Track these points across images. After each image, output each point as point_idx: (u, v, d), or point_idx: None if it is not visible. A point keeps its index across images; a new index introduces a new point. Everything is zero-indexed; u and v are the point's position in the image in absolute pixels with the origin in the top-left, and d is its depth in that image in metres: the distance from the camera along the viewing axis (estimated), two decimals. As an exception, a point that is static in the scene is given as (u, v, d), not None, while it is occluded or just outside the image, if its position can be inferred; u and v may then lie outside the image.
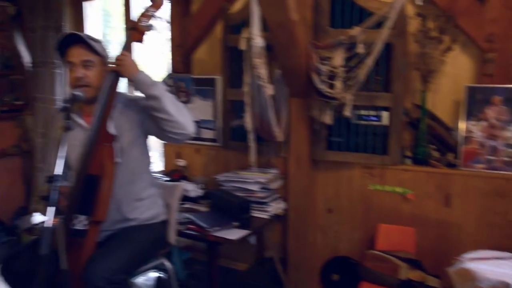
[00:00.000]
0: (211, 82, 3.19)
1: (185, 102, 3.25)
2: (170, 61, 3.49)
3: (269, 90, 2.57)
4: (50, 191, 1.49)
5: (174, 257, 2.85)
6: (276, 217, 2.93)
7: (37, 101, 3.98)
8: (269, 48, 2.62)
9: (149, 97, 1.88)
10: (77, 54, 1.96)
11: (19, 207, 4.35)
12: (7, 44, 4.35)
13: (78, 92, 1.86)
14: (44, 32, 3.83)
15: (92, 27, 4.26)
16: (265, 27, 2.51)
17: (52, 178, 1.51)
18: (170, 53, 3.50)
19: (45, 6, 3.81)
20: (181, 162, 3.39)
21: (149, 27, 1.96)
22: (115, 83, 1.94)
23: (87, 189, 1.82)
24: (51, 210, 1.47)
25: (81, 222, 1.82)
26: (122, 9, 3.95)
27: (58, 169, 1.54)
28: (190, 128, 1.95)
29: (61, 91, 3.86)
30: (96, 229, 1.86)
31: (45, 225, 1.45)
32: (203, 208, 2.98)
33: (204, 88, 3.22)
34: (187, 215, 2.71)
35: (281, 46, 2.51)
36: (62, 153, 1.57)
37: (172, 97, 1.92)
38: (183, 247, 3.27)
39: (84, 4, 4.15)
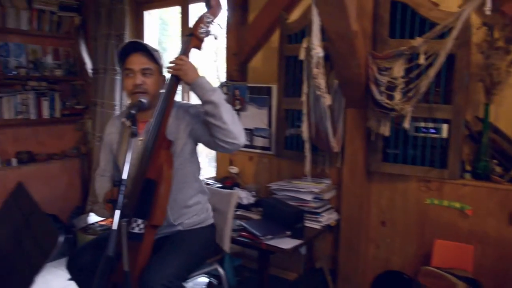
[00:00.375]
0: (266, 91, 3.21)
1: (239, 110, 3.28)
2: (225, 69, 3.55)
3: (327, 100, 2.55)
4: (117, 195, 1.54)
5: (226, 263, 2.88)
6: (328, 228, 2.91)
7: (96, 105, 4.13)
8: (327, 58, 2.60)
9: (206, 102, 1.89)
10: (138, 61, 2.01)
11: (76, 207, 4.54)
12: (72, 52, 4.58)
13: (143, 99, 1.92)
14: (106, 40, 3.99)
15: (150, 35, 4.40)
16: (324, 37, 2.50)
17: (118, 182, 1.56)
18: (225, 61, 3.56)
19: (108, 15, 3.97)
20: (234, 169, 3.43)
21: (207, 34, 1.99)
22: (175, 87, 1.98)
23: (145, 193, 1.86)
24: (117, 213, 1.51)
25: (138, 226, 1.86)
26: (179, 18, 4.06)
27: (125, 173, 1.58)
28: (241, 139, 1.95)
29: (120, 96, 4.00)
30: (152, 233, 1.90)
31: (112, 227, 1.49)
32: (255, 216, 3.00)
33: (259, 96, 3.25)
34: (240, 222, 2.74)
35: (340, 56, 2.49)
36: (128, 158, 1.62)
37: (229, 106, 1.93)
38: (234, 253, 3.30)
39: (144, 13, 4.31)
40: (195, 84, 1.91)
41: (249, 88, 3.29)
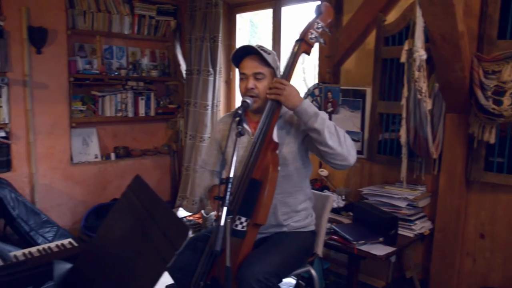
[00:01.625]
0: (360, 94, 3.16)
1: (331, 113, 3.26)
2: (317, 71, 3.55)
3: (428, 104, 2.46)
4: (224, 192, 1.59)
5: (316, 266, 2.87)
6: (420, 237, 2.80)
7: (189, 105, 4.30)
8: (428, 61, 2.51)
9: (310, 129, 1.89)
10: (250, 66, 2.06)
11: (166, 201, 4.75)
12: (167, 54, 4.82)
13: (248, 100, 1.97)
14: (201, 42, 4.13)
15: (241, 38, 4.51)
16: (426, 38, 2.41)
17: (225, 180, 1.61)
18: (318, 63, 3.55)
19: (203, 19, 4.11)
20: (324, 172, 3.41)
21: (317, 40, 1.99)
22: (276, 110, 1.97)
23: (249, 192, 1.91)
24: (224, 210, 1.56)
25: (241, 224, 1.91)
26: (269, 21, 4.12)
27: (232, 172, 1.63)
28: (351, 159, 1.92)
29: (212, 96, 4.12)
30: (254, 231, 1.94)
31: (220, 224, 1.54)
32: (345, 220, 2.96)
33: (352, 99, 3.21)
34: (330, 225, 2.71)
35: (443, 58, 2.39)
36: (235, 157, 1.67)
37: (333, 128, 1.89)
38: (322, 257, 3.28)
39: (236, 16, 4.42)
40: (298, 110, 1.89)
41: (342, 91, 3.25)
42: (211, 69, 4.09)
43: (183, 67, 4.53)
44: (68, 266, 1.43)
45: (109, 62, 4.45)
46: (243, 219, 1.91)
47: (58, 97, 4.06)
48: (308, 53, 2.02)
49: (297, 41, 2.01)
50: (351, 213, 3.02)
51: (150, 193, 1.24)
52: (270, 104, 1.97)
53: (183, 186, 4.38)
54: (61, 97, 4.08)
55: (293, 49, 2.00)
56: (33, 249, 2.49)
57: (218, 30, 4.02)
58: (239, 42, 4.50)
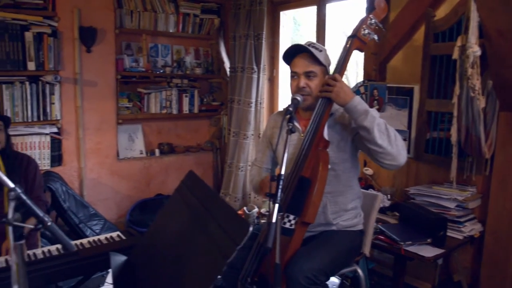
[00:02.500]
0: (407, 91, 3.09)
1: (377, 111, 3.20)
2: (363, 68, 3.50)
3: (481, 102, 2.38)
4: (276, 189, 1.60)
5: (361, 265, 2.84)
6: (469, 239, 2.71)
7: (233, 102, 4.33)
8: (480, 57, 2.43)
9: (359, 127, 1.87)
10: (301, 65, 2.06)
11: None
12: (211, 52, 4.87)
13: (298, 97, 1.96)
14: (245, 40, 4.15)
15: (284, 35, 4.50)
16: (480, 34, 2.34)
17: (277, 177, 1.62)
18: (364, 60, 3.50)
19: (247, 16, 4.13)
20: (368, 171, 3.36)
21: (370, 36, 1.96)
22: (327, 107, 1.97)
23: (299, 190, 1.91)
24: (276, 207, 1.56)
25: (289, 221, 1.91)
26: (312, 18, 4.09)
27: (283, 169, 1.64)
28: (401, 159, 1.88)
29: (256, 94, 4.14)
30: (303, 229, 1.93)
31: (271, 220, 1.55)
32: (390, 220, 2.91)
33: (398, 97, 3.14)
34: (376, 225, 2.67)
35: (498, 55, 2.31)
36: (286, 154, 1.67)
37: (383, 126, 1.86)
38: (369, 256, 3.24)
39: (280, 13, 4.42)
40: (348, 107, 1.88)
41: (388, 88, 3.19)
42: (255, 67, 4.10)
43: (227, 64, 4.56)
44: (123, 258, 1.48)
45: (155, 60, 4.54)
46: (291, 217, 1.92)
47: (106, 94, 4.18)
48: (361, 49, 2.00)
49: (349, 37, 1.99)
50: (396, 213, 2.96)
51: (206, 189, 1.26)
52: (321, 101, 1.96)
53: (226, 183, 4.42)
54: (109, 94, 4.20)
55: (345, 45, 1.99)
56: (84, 241, 2.58)
57: (262, 27, 4.03)
58: (283, 40, 4.49)
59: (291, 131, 1.73)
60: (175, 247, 1.14)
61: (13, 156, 2.67)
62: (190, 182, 1.39)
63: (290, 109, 1.82)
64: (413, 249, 2.46)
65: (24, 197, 1.11)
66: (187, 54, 4.75)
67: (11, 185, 1.10)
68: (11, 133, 2.87)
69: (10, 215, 1.10)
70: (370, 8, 2.00)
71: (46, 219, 1.13)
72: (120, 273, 1.40)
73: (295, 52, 2.08)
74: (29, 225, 1.14)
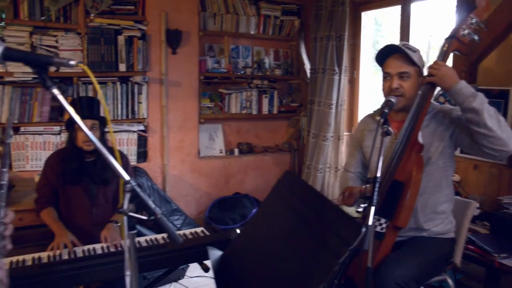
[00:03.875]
0: (502, 94, 2.92)
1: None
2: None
3: None
4: (371, 192, 1.58)
5: (449, 276, 2.72)
6: None
7: (313, 104, 4.32)
8: None
9: (467, 109, 1.81)
10: (395, 65, 2.02)
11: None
12: (290, 53, 4.90)
13: (392, 99, 1.93)
14: (326, 41, 4.13)
15: (365, 36, 4.43)
16: None
17: (373, 180, 1.60)
18: (452, 61, 3.36)
19: (329, 17, 4.10)
20: (455, 177, 3.21)
21: (470, 36, 1.88)
22: (429, 93, 1.93)
23: (391, 194, 1.87)
24: (372, 210, 1.55)
25: (380, 225, 1.88)
26: (394, 18, 3.98)
27: (379, 171, 1.61)
28: (511, 145, 1.80)
29: (337, 96, 4.11)
30: (394, 234, 1.90)
31: (368, 223, 1.53)
32: (480, 229, 2.77)
33: (492, 100, 2.97)
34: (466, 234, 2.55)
35: None
36: (381, 157, 1.65)
37: (493, 110, 1.80)
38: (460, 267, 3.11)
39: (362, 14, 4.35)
40: (453, 90, 1.84)
41: (480, 91, 3.02)
42: (336, 68, 4.07)
43: (307, 66, 4.56)
44: (219, 253, 1.52)
45: (236, 61, 4.64)
46: (382, 220, 1.88)
47: (189, 94, 4.33)
48: (461, 51, 1.93)
49: (447, 38, 1.92)
50: (487, 223, 2.81)
51: (309, 188, 1.27)
52: (424, 87, 1.92)
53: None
54: (192, 94, 4.35)
55: (443, 47, 1.92)
56: (171, 235, 2.69)
57: (344, 28, 3.99)
58: (364, 41, 4.42)
59: (386, 134, 1.70)
60: (278, 245, 1.16)
61: (109, 150, 2.81)
62: (289, 182, 1.41)
63: (386, 110, 1.79)
64: (508, 262, 2.32)
65: (138, 189, 1.18)
66: (267, 55, 4.81)
67: (127, 177, 1.18)
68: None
69: (125, 206, 1.18)
70: (471, 7, 1.91)
71: (156, 211, 1.19)
72: (218, 266, 1.45)
73: (388, 53, 2.04)
74: (142, 216, 1.21)
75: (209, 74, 4.41)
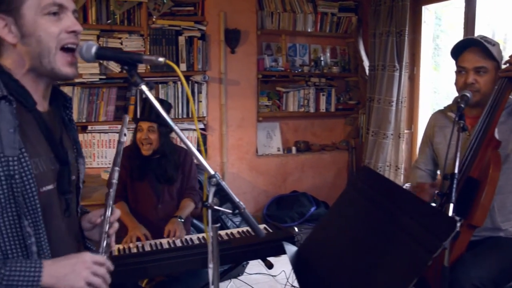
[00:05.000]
0: None
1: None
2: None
3: None
4: (449, 188, 1.54)
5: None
6: None
7: (372, 101, 4.26)
8: None
9: None
10: (471, 59, 1.96)
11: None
12: (348, 50, 4.85)
13: (468, 94, 1.87)
14: (386, 37, 4.06)
15: (426, 31, 4.31)
16: None
17: (451, 176, 1.56)
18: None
19: (388, 13, 4.03)
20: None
21: None
22: (507, 88, 1.85)
23: (465, 191, 1.81)
24: (451, 207, 1.51)
25: (455, 223, 1.83)
26: (457, 11, 3.84)
27: (457, 167, 1.57)
28: None
29: (397, 92, 4.03)
30: (469, 232, 1.84)
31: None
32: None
33: None
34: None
35: None
36: (458, 153, 1.60)
37: None
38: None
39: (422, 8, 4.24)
40: None
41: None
42: (396, 64, 3.99)
43: (366, 63, 4.50)
44: (294, 248, 1.54)
45: (293, 59, 4.65)
46: (457, 218, 1.83)
47: (247, 93, 4.38)
48: None
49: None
50: None
51: (390, 183, 1.26)
52: (500, 83, 1.85)
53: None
54: (250, 93, 4.40)
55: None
56: (234, 231, 2.74)
57: (405, 24, 3.91)
58: (424, 36, 4.30)
59: (463, 129, 1.65)
60: (362, 239, 1.16)
61: (171, 151, 2.86)
62: (366, 177, 1.40)
63: (462, 105, 1.74)
64: None
65: (222, 183, 1.21)
66: (323, 53, 4.78)
67: (212, 171, 1.21)
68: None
69: (210, 200, 1.21)
70: None
71: (240, 205, 1.22)
72: (296, 261, 1.46)
73: (465, 46, 1.98)
74: (226, 209, 1.24)
75: (267, 72, 4.44)
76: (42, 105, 1.25)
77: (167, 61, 1.19)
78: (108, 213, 1.21)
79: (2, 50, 1.19)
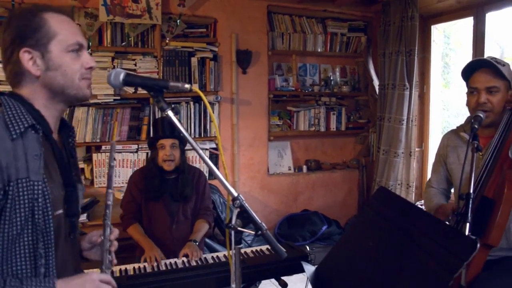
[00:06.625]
0: None
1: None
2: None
3: None
4: (464, 208, 1.56)
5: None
6: None
7: (382, 120, 4.28)
8: None
9: None
10: (483, 80, 1.99)
11: (353, 215, 4.79)
12: (357, 69, 4.90)
13: (481, 114, 1.90)
14: (396, 56, 4.10)
15: (435, 50, 4.36)
16: None
17: (466, 196, 1.58)
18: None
19: (398, 32, 4.08)
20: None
21: None
22: None
23: (480, 211, 1.83)
24: (467, 227, 1.53)
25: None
26: (465, 29, 3.88)
27: (471, 187, 1.59)
28: None
29: (408, 111, 4.06)
30: (485, 252, 1.84)
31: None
32: None
33: None
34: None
35: None
36: (472, 173, 1.63)
37: None
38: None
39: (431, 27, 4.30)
40: None
41: None
42: (406, 83, 4.03)
43: (376, 82, 4.54)
44: (312, 268, 1.56)
45: (303, 79, 4.71)
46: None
47: (259, 113, 4.44)
48: None
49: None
50: None
51: (408, 204, 1.28)
52: (508, 116, 1.87)
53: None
54: (261, 113, 4.45)
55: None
56: (248, 250, 2.76)
57: (414, 43, 3.95)
58: (434, 55, 4.35)
59: (477, 149, 1.68)
60: (381, 259, 1.18)
61: (187, 169, 2.91)
62: (383, 198, 1.42)
63: (476, 126, 1.77)
64: None
65: (245, 205, 1.25)
66: (333, 72, 4.84)
67: (235, 193, 1.24)
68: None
69: (233, 221, 1.25)
70: None
71: (262, 226, 1.25)
72: (315, 280, 1.49)
73: (475, 67, 2.01)
74: (249, 231, 1.28)
75: (278, 92, 4.50)
76: (55, 134, 1.34)
77: (194, 88, 1.23)
78: (108, 232, 1.32)
79: (22, 81, 1.28)
